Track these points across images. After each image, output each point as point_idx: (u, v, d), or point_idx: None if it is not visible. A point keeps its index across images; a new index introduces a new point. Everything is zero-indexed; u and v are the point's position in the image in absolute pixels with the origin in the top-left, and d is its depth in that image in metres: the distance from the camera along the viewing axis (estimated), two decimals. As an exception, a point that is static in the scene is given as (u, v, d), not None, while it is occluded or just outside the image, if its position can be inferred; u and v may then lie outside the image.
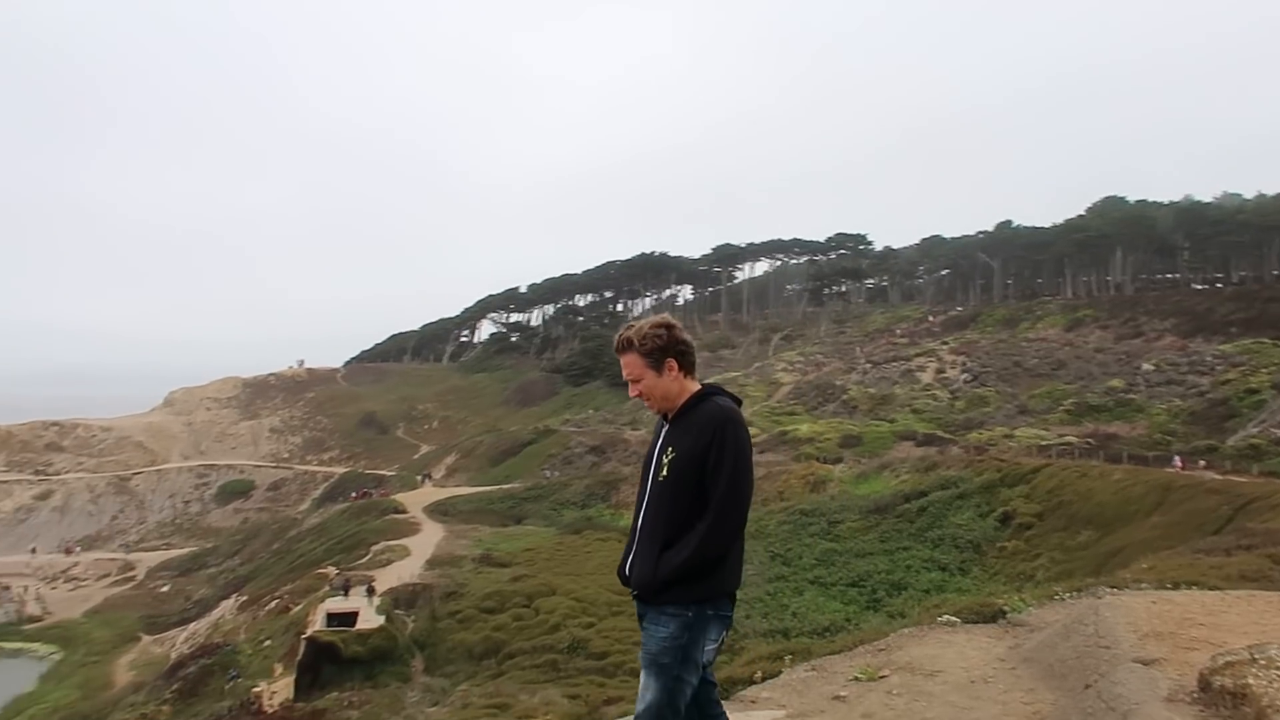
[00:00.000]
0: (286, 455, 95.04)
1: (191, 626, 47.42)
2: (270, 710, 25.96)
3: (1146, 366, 60.39)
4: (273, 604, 40.40)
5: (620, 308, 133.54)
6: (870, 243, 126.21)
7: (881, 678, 5.09)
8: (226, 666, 32.83)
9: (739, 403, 3.67)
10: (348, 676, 26.92)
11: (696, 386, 3.61)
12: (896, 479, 42.65)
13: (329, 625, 30.26)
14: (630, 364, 3.56)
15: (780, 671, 5.31)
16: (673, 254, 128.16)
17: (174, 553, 70.67)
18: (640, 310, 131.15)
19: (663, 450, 3.53)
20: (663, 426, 3.66)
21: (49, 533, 76.85)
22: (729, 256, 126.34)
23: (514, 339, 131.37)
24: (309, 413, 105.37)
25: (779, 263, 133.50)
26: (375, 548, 43.82)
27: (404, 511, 52.19)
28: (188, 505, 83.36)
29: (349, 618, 30.74)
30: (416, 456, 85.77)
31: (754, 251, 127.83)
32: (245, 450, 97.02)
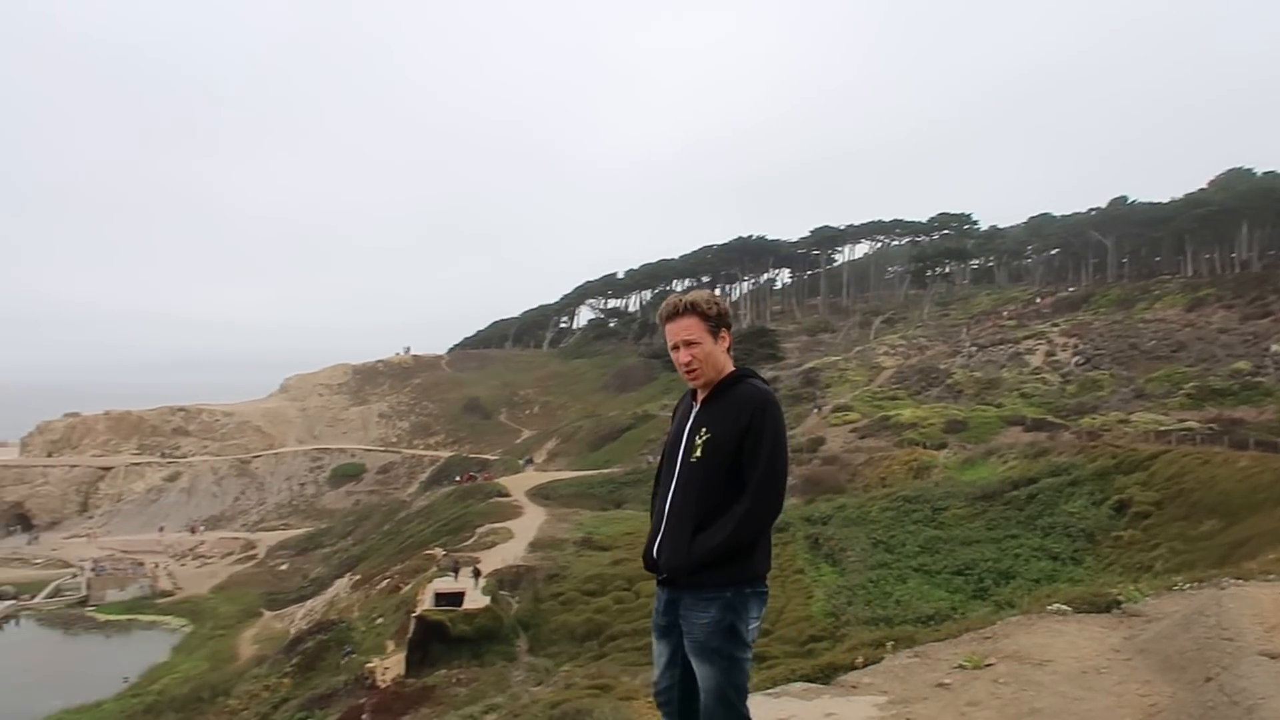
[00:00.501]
0: (394, 439, 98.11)
1: (309, 603, 49.49)
2: (383, 685, 26.94)
3: (1276, 348, 57.03)
4: (384, 583, 41.85)
5: (718, 292, 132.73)
6: (975, 222, 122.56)
7: (988, 666, 4.98)
8: (342, 642, 34.19)
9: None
10: (455, 654, 27.72)
11: (732, 367, 3.55)
12: (1004, 465, 41.45)
13: (437, 605, 31.18)
14: (689, 327, 3.47)
15: (882, 658, 5.22)
16: (770, 237, 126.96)
17: (291, 533, 73.86)
18: (738, 295, 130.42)
19: (695, 430, 3.48)
20: (690, 407, 3.61)
21: (178, 513, 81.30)
22: (828, 239, 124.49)
23: (612, 325, 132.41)
24: (415, 398, 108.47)
25: (880, 244, 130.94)
26: (480, 530, 44.88)
27: (507, 495, 53.30)
28: (303, 487, 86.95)
29: (456, 598, 31.59)
30: (519, 441, 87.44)
31: (854, 233, 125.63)
32: (356, 435, 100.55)
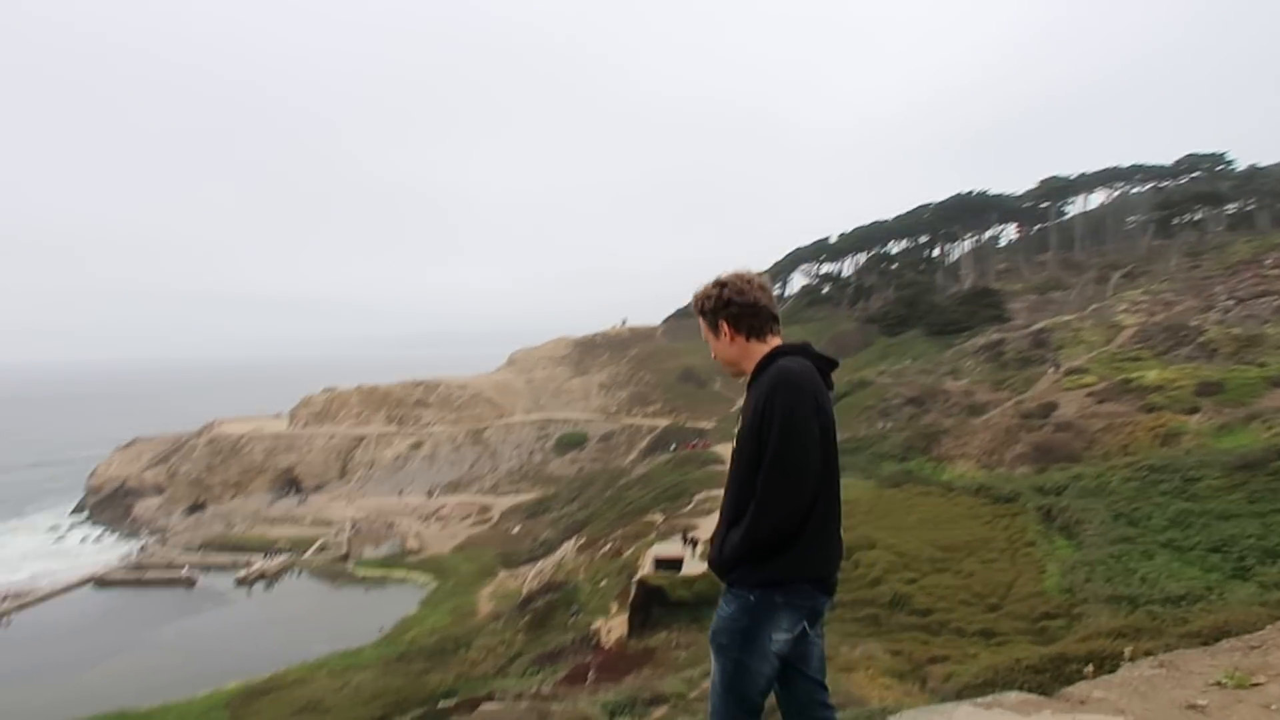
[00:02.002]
0: (614, 409, 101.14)
1: (539, 564, 52.18)
2: (607, 645, 28.07)
3: None
4: (607, 547, 43.46)
5: (936, 252, 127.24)
6: (1230, 162, 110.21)
7: (1254, 685, 4.08)
8: (569, 603, 35.88)
9: (832, 363, 3.34)
10: (675, 618, 28.39)
11: (765, 349, 3.29)
12: (1269, 431, 37.34)
13: (657, 569, 32.06)
14: (701, 328, 3.44)
15: (1119, 665, 4.53)
16: (993, 192, 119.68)
17: (522, 497, 78.02)
18: (957, 254, 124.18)
19: (740, 423, 3.31)
20: None
21: (421, 478, 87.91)
22: (1057, 190, 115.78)
23: (825, 290, 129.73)
24: (633, 369, 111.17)
25: (1117, 193, 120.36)
26: (697, 497, 45.61)
27: (723, 463, 53.72)
28: (531, 455, 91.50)
29: (675, 563, 32.36)
30: (733, 410, 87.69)
31: (1087, 183, 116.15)
32: (578, 404, 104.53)
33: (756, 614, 3.10)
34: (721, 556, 3.18)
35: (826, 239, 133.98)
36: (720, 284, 3.30)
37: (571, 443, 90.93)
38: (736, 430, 3.32)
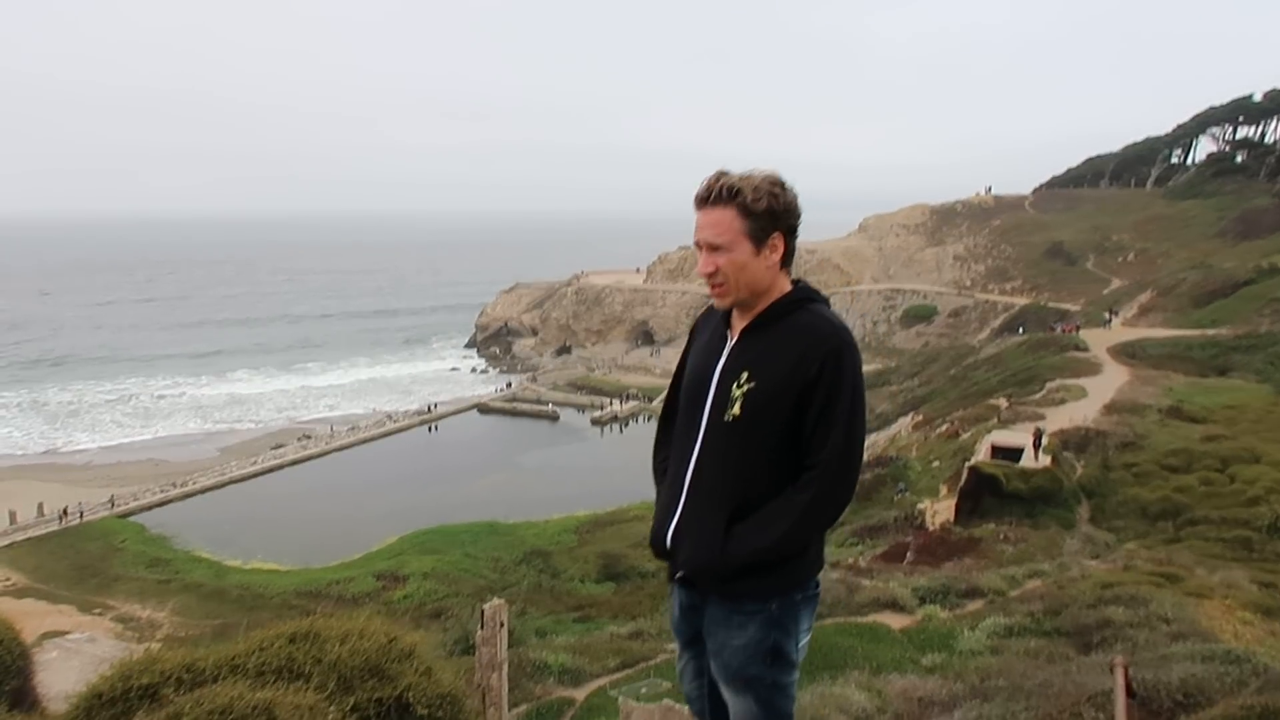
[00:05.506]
0: (968, 283, 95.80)
1: (872, 437, 51.88)
2: (931, 528, 27.60)
3: None
4: (943, 427, 42.15)
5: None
6: None
7: None
8: (897, 479, 35.56)
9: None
10: (1007, 511, 27.18)
11: (788, 286, 2.56)
12: None
13: (993, 457, 30.65)
14: (719, 223, 2.45)
15: None
16: None
17: (865, 368, 77.45)
18: None
19: (730, 374, 2.49)
20: (722, 336, 2.63)
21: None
22: None
23: (1239, 159, 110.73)
24: (993, 241, 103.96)
25: None
26: (1050, 384, 42.68)
27: (1085, 349, 49.59)
28: (876, 325, 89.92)
29: (1014, 453, 30.72)
30: (1106, 292, 79.75)
31: None
32: (929, 276, 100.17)
33: (782, 623, 2.49)
34: (726, 561, 2.42)
35: (1249, 97, 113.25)
36: (786, 188, 2.48)
37: (919, 315, 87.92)
38: (717, 386, 2.54)
